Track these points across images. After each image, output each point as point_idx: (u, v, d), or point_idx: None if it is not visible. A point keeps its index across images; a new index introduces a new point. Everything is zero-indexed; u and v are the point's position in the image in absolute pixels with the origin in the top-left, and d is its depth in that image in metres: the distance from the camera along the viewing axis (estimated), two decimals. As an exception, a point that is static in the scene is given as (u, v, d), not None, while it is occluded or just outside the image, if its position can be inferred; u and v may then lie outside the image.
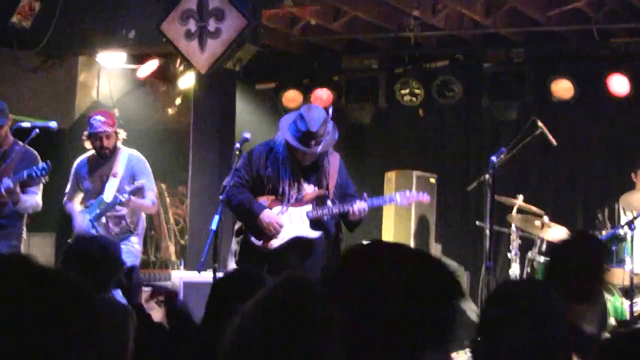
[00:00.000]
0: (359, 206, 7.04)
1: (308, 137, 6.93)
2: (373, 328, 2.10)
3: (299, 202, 7.16)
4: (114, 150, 8.38)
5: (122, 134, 8.44)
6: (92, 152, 8.46)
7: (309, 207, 7.16)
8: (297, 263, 7.07)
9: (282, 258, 7.12)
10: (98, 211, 8.24)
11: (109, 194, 8.25)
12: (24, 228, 8.34)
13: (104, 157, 8.37)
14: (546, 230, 9.18)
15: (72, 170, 8.60)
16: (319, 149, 6.98)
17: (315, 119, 6.95)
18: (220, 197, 7.12)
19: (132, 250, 8.24)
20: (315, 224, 7.17)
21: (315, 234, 7.15)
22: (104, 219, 8.26)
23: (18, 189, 7.90)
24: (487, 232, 8.18)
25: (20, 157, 8.06)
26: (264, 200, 7.18)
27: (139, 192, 8.19)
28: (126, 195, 8.08)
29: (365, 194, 7.17)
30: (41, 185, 8.11)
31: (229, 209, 7.24)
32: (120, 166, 8.35)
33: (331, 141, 7.09)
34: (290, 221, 7.16)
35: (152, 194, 8.41)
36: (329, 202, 7.17)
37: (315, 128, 6.92)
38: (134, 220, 8.37)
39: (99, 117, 8.28)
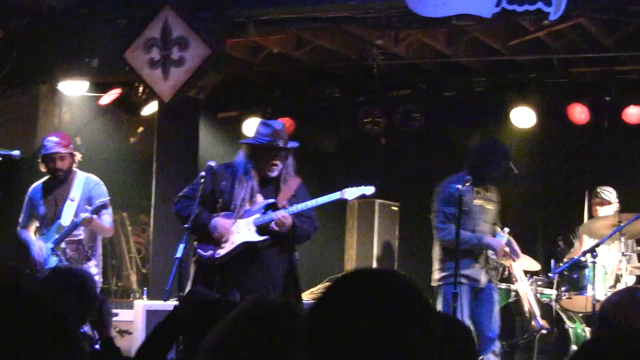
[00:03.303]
0: (277, 214, 7.14)
1: (276, 136, 7.18)
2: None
3: (249, 213, 7.27)
4: (70, 173, 8.31)
5: (78, 156, 8.39)
6: (47, 177, 8.39)
7: (257, 216, 7.26)
8: (246, 273, 7.16)
9: (231, 269, 7.18)
10: (57, 236, 8.15)
11: (66, 219, 8.19)
12: None
13: (59, 180, 8.29)
14: (508, 258, 9.22)
15: (27, 197, 8.50)
16: (290, 144, 7.25)
17: (277, 122, 7.37)
18: (173, 208, 7.33)
19: None
20: (262, 231, 7.24)
21: (260, 238, 7.22)
22: (62, 244, 8.17)
23: None
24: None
25: None
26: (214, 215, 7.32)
27: (99, 211, 8.14)
28: (87, 214, 8.01)
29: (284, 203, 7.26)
30: None
31: (179, 220, 7.30)
32: (76, 190, 8.28)
33: (295, 144, 7.33)
34: (238, 231, 7.27)
35: (109, 216, 8.35)
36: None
37: (280, 126, 7.26)
38: (91, 245, 8.29)
39: (52, 138, 8.24)
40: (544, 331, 8.76)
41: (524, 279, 8.92)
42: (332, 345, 2.08)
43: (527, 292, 8.83)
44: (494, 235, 8.48)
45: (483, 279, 8.38)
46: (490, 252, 8.42)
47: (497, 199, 8.57)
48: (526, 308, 8.79)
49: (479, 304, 8.31)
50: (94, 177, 8.46)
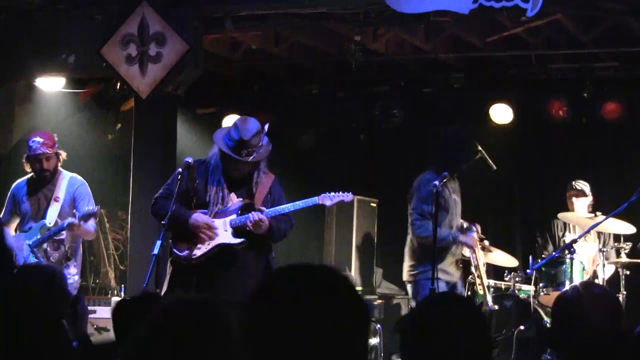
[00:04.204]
0: (253, 216, 7.05)
1: (241, 146, 7.03)
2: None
3: (224, 212, 7.19)
4: (55, 173, 8.27)
5: (63, 155, 8.34)
6: (32, 174, 8.34)
7: (233, 217, 7.20)
8: (222, 274, 7.11)
9: (208, 270, 7.14)
10: (39, 236, 8.10)
11: (51, 219, 8.14)
12: None
13: (45, 180, 8.25)
14: (486, 254, 9.25)
15: (9, 194, 8.45)
16: (251, 158, 7.08)
17: (249, 129, 7.06)
18: (151, 210, 7.25)
19: (70, 282, 8.13)
20: (239, 232, 7.18)
21: (237, 240, 7.15)
22: (44, 245, 8.13)
23: None
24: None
25: None
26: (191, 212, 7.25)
27: (87, 219, 8.06)
28: (74, 220, 7.94)
29: (262, 208, 7.17)
30: None
31: (157, 220, 7.23)
32: (62, 190, 8.23)
33: (264, 153, 7.18)
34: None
35: (93, 219, 8.30)
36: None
37: (247, 137, 7.02)
38: (72, 246, 8.25)
39: (38, 139, 8.15)
40: (522, 327, 8.78)
41: (482, 257, 8.90)
42: (267, 339, 2.09)
43: (483, 271, 8.83)
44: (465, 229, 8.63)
45: (456, 274, 8.47)
46: (465, 250, 8.53)
47: (459, 188, 8.72)
48: (479, 285, 8.72)
49: None
50: (79, 178, 8.43)
